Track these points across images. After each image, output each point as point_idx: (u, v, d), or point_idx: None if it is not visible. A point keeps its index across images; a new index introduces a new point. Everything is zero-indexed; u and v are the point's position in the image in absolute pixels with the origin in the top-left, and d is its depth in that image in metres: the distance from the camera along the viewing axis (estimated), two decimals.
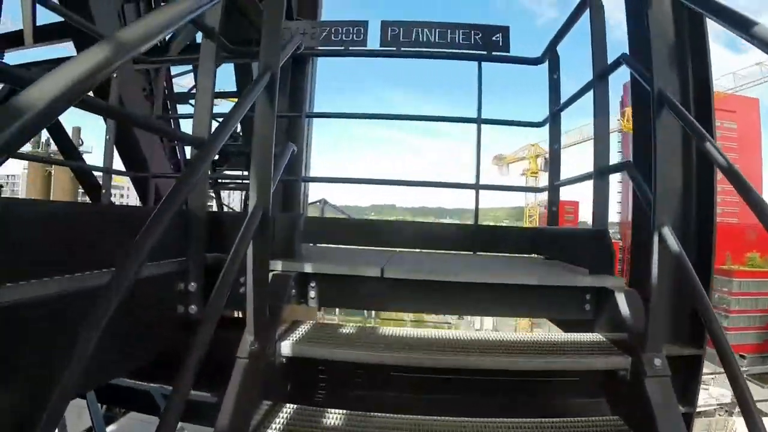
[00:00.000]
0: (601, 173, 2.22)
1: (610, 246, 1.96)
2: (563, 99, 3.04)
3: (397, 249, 3.18)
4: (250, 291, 1.51)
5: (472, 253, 3.28)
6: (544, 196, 3.21)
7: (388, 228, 3.54)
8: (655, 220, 1.53)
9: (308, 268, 2.05)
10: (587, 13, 2.40)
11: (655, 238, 1.54)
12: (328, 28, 3.64)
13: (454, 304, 2.10)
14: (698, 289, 1.42)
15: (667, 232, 1.50)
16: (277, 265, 2.00)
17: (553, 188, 3.07)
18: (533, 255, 3.14)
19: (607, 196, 2.23)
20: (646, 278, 1.70)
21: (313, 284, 2.06)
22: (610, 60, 2.20)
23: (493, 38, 3.54)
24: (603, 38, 2.28)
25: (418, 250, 3.37)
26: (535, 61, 3.39)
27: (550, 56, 3.17)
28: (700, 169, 2.05)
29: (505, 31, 3.54)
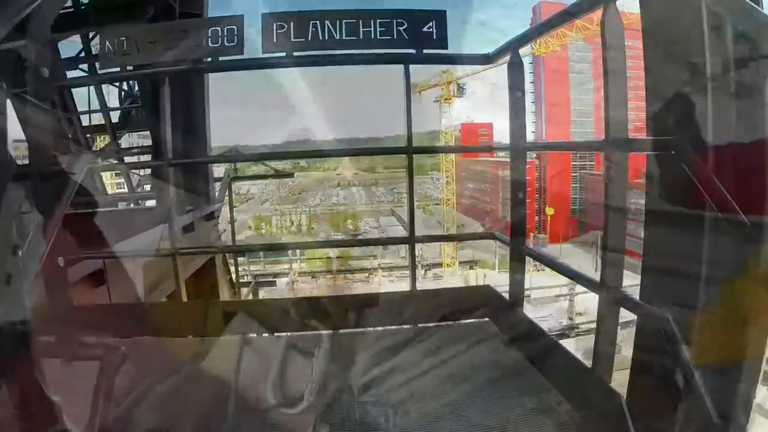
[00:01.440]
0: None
1: None
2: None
3: (325, 332, 2.49)
4: None
5: (411, 326, 2.58)
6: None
7: (315, 306, 2.68)
8: None
9: None
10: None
11: None
12: (183, 33, 2.42)
13: None
14: None
15: None
16: None
17: None
18: (485, 319, 2.55)
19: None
20: None
21: None
22: None
23: (425, 29, 2.50)
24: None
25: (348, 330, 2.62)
26: (484, 61, 2.44)
27: (511, 60, 2.19)
28: None
29: (440, 18, 2.49)
